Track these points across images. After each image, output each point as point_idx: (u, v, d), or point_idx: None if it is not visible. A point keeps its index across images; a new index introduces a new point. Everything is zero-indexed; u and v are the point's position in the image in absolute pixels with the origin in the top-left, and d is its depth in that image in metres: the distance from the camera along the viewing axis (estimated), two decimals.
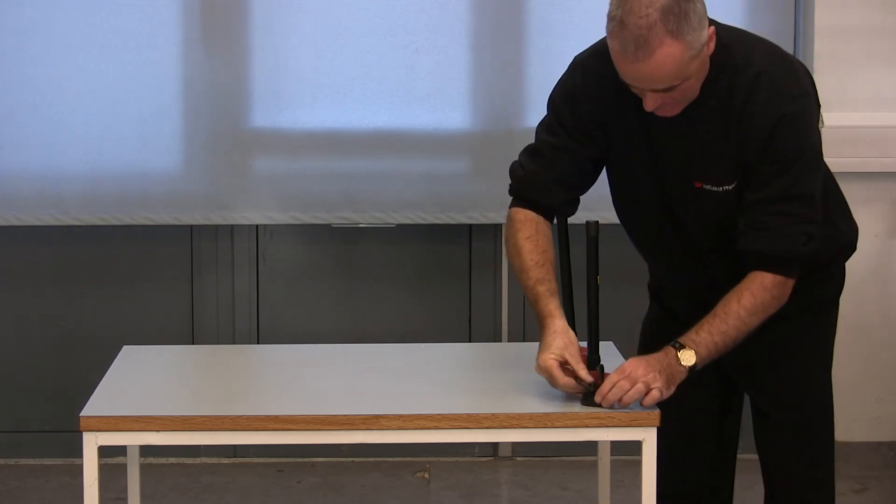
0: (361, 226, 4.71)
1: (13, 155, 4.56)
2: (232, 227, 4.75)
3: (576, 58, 2.95)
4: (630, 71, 2.65)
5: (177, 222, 4.62)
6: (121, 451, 3.13)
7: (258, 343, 4.75)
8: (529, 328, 4.80)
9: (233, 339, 4.78)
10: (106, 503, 3.05)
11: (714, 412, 3.10)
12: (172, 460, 4.78)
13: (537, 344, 3.18)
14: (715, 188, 2.80)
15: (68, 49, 4.52)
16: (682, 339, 2.76)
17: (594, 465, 3.36)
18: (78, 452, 2.67)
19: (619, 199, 3.00)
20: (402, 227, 4.72)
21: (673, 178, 2.84)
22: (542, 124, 2.96)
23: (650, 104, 2.70)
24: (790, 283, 2.79)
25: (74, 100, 4.54)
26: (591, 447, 3.40)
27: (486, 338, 4.81)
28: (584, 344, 2.88)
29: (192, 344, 4.70)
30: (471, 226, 4.76)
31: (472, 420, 2.68)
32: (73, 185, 4.57)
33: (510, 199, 2.98)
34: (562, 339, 2.76)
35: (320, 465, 4.77)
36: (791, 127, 2.73)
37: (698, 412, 3.07)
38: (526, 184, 2.94)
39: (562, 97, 2.92)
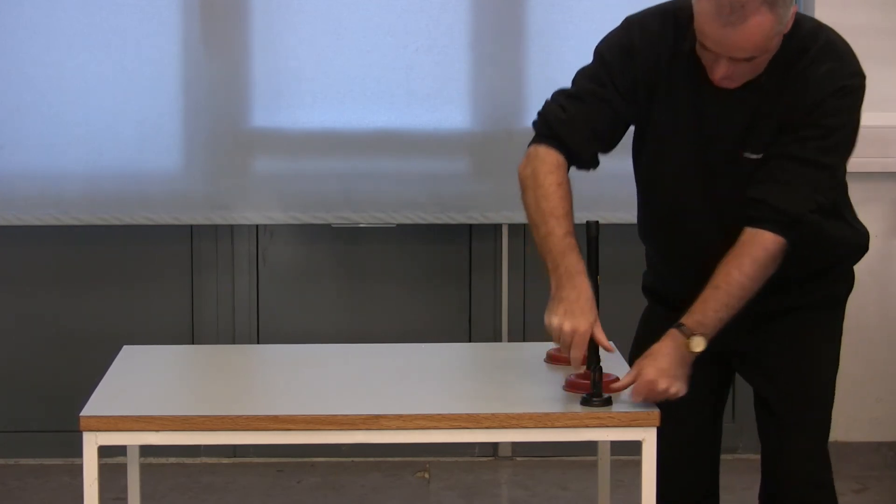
0: (361, 226, 4.71)
1: (13, 155, 4.56)
2: (232, 227, 4.75)
3: (630, 17, 2.87)
4: (717, 34, 2.61)
5: (177, 222, 4.62)
6: (121, 451, 3.13)
7: (258, 343, 4.75)
8: (529, 328, 4.80)
9: (233, 339, 4.78)
10: (106, 503, 3.04)
11: (710, 414, 3.09)
12: (172, 460, 4.78)
13: (537, 344, 3.19)
14: (757, 156, 2.77)
15: (68, 49, 4.52)
16: (689, 324, 2.73)
17: (594, 465, 3.36)
18: (78, 452, 2.67)
19: (649, 170, 2.92)
20: (402, 227, 4.72)
21: (719, 149, 2.79)
22: (585, 73, 2.86)
23: (721, 72, 2.66)
24: (785, 249, 2.75)
25: (74, 100, 4.54)
26: (591, 447, 3.39)
27: (486, 338, 4.80)
28: None
29: (192, 344, 4.70)
30: (471, 226, 4.76)
31: (472, 420, 2.68)
32: (73, 185, 4.57)
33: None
34: (595, 310, 2.70)
35: (320, 465, 4.77)
36: (844, 99, 2.74)
37: (696, 414, 3.05)
38: (566, 127, 2.83)
39: (616, 52, 2.83)
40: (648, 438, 2.68)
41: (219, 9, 4.56)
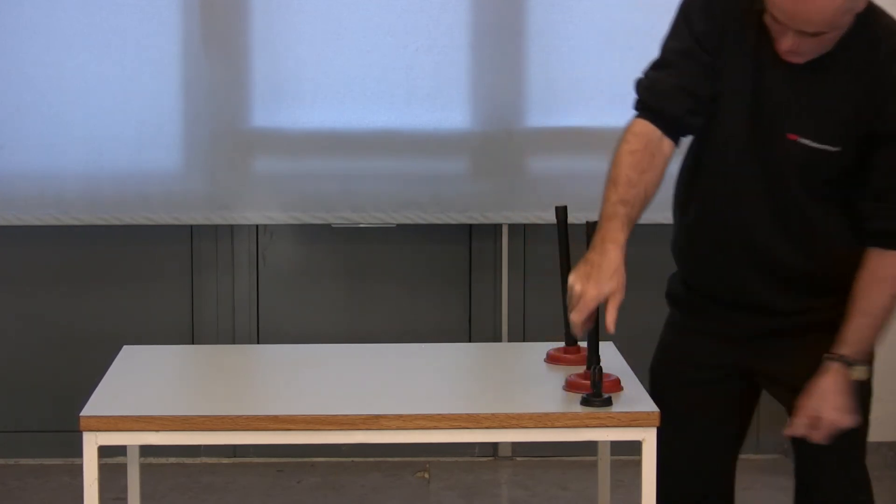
0: (361, 226, 4.71)
1: (13, 155, 4.56)
2: (232, 227, 4.75)
3: None
4: (786, 5, 2.55)
5: (177, 222, 4.62)
6: (121, 451, 3.13)
7: (258, 343, 4.75)
8: (529, 328, 4.80)
9: (233, 339, 4.78)
10: (106, 503, 3.04)
11: (735, 421, 3.00)
12: (172, 460, 4.78)
13: (537, 344, 3.20)
14: (814, 144, 2.69)
15: (68, 49, 4.52)
16: (851, 355, 2.74)
17: (594, 465, 3.36)
18: (78, 452, 2.67)
19: (701, 146, 2.82)
20: (402, 227, 4.72)
21: (771, 125, 2.72)
22: (669, 33, 2.80)
23: (787, 44, 2.61)
24: None
25: (74, 100, 4.54)
26: (591, 447, 3.40)
27: (486, 338, 4.81)
28: (584, 344, 2.89)
29: (192, 344, 4.70)
30: (471, 226, 4.76)
31: (472, 420, 2.68)
32: (73, 185, 4.57)
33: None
34: (617, 280, 2.62)
35: (320, 465, 4.77)
36: None
37: (719, 431, 2.97)
38: (650, 92, 2.76)
39: (693, 9, 2.76)
40: (648, 438, 2.68)
41: (219, 9, 4.56)
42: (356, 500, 4.51)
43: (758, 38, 2.69)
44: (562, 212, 3.07)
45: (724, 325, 2.88)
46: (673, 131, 2.75)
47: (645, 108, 2.76)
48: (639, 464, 2.70)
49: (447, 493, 4.57)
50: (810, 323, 2.83)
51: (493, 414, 2.68)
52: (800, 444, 2.91)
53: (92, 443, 2.66)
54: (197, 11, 4.56)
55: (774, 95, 2.71)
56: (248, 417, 2.69)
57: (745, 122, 2.74)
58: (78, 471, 2.91)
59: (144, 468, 3.37)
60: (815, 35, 2.59)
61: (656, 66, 2.80)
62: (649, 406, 2.71)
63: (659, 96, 2.75)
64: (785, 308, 2.83)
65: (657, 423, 2.68)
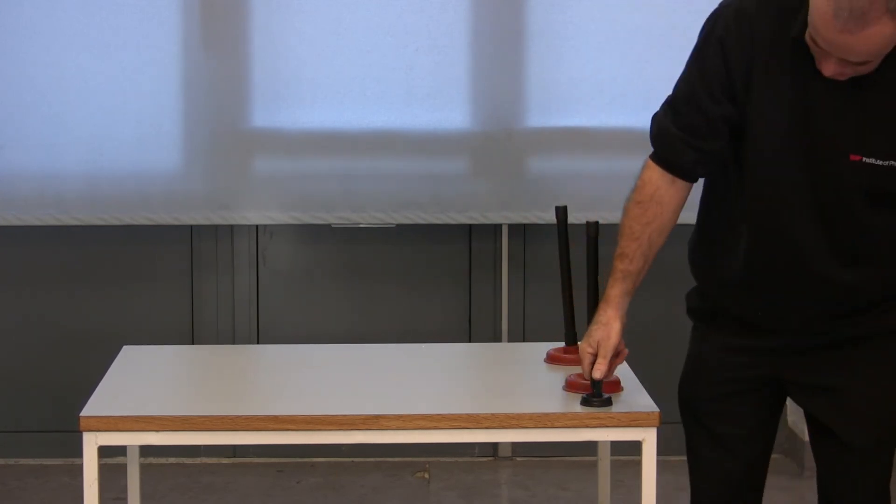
0: (361, 226, 4.71)
1: (13, 155, 4.56)
2: (232, 227, 4.75)
3: (723, 5, 2.67)
4: (831, 37, 2.46)
5: (177, 222, 4.62)
6: (121, 451, 3.13)
7: (258, 343, 4.75)
8: (529, 328, 4.80)
9: (233, 339, 4.78)
10: (106, 503, 3.05)
11: (765, 428, 2.91)
12: (172, 460, 4.78)
13: (537, 344, 3.21)
14: (880, 162, 2.60)
15: (68, 49, 4.52)
16: None
17: (594, 465, 3.36)
18: (78, 452, 2.67)
19: (747, 170, 2.70)
20: (402, 227, 4.72)
21: (826, 148, 2.62)
22: (683, 73, 2.73)
23: (831, 69, 2.52)
24: None
25: (74, 100, 4.54)
26: (591, 447, 3.40)
27: (486, 338, 4.80)
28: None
29: (192, 344, 4.70)
30: (471, 226, 4.75)
31: (472, 420, 2.68)
32: (73, 185, 4.57)
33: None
34: (602, 331, 2.70)
35: (320, 465, 4.77)
36: None
37: (751, 430, 2.88)
38: (658, 140, 2.73)
39: (708, 44, 2.66)
40: (648, 438, 2.68)
41: (219, 9, 4.56)
42: (356, 500, 4.51)
43: (794, 60, 2.59)
44: (562, 212, 3.07)
45: (755, 341, 2.80)
46: (685, 176, 2.74)
47: (655, 152, 2.75)
48: (639, 464, 2.70)
49: (447, 493, 4.57)
50: (845, 338, 2.76)
51: (493, 414, 2.69)
52: (824, 451, 2.85)
53: (92, 443, 2.66)
54: (197, 11, 4.56)
55: (826, 116, 2.62)
56: (247, 417, 2.69)
57: (796, 148, 2.64)
58: (78, 471, 2.92)
59: (144, 468, 3.37)
60: (859, 64, 2.51)
61: (668, 105, 2.74)
62: (649, 406, 2.72)
63: (665, 146, 2.72)
64: (825, 329, 2.75)
65: (657, 423, 2.68)
